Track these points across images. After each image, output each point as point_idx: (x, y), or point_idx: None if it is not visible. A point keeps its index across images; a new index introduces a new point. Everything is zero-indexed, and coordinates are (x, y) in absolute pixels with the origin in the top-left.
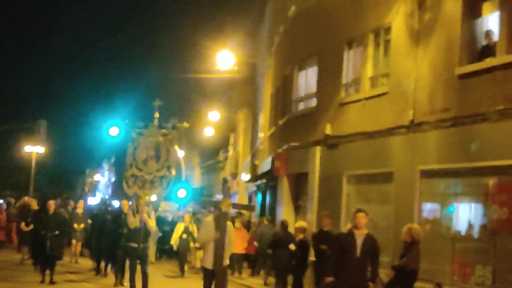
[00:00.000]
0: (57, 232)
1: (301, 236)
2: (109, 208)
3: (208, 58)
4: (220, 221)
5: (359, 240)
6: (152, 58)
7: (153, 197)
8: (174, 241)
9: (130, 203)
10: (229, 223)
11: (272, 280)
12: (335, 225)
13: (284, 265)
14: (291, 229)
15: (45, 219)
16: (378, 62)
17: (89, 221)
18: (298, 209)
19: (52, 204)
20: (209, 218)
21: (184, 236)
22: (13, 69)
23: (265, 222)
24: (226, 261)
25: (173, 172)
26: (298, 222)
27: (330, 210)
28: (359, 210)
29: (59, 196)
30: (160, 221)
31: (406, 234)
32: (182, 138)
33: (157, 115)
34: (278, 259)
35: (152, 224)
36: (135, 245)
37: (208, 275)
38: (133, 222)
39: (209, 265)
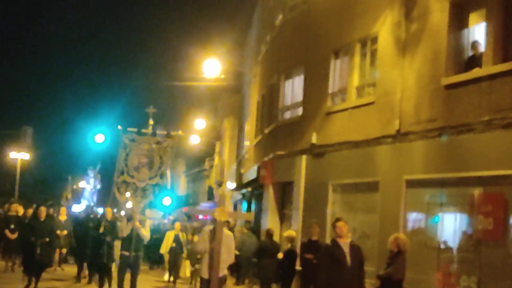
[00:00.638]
0: (47, 239)
1: (289, 245)
2: (92, 216)
3: (195, 66)
4: (216, 230)
5: (346, 249)
6: (138, 65)
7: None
8: (164, 250)
9: (115, 210)
10: (229, 233)
11: None
12: (321, 234)
13: (269, 273)
14: (276, 238)
15: (36, 225)
16: (365, 71)
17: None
18: (284, 218)
19: (43, 211)
20: (207, 228)
21: (174, 244)
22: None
23: (245, 231)
24: (224, 271)
25: (166, 180)
26: (287, 231)
27: (316, 219)
28: (337, 220)
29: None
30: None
31: (392, 244)
32: (175, 146)
33: (151, 122)
34: (263, 267)
35: (145, 232)
36: (127, 253)
37: (205, 285)
38: (124, 229)
39: (205, 275)
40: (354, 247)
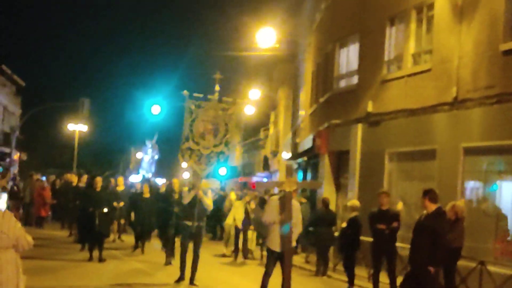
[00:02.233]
0: (105, 209)
1: (352, 214)
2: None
3: (249, 35)
4: (285, 201)
5: (420, 220)
6: (193, 35)
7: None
8: (230, 220)
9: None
10: (295, 202)
11: (313, 257)
12: (376, 203)
13: (326, 242)
14: (332, 207)
15: (93, 196)
16: (421, 38)
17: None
18: (339, 187)
19: (99, 181)
20: (274, 198)
21: (243, 216)
22: (55, 48)
23: (303, 200)
24: (294, 243)
25: (230, 149)
26: (351, 201)
27: (372, 188)
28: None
29: (100, 173)
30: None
31: (450, 212)
32: (238, 114)
33: (217, 87)
34: (319, 237)
35: (208, 201)
36: (189, 223)
37: (274, 258)
38: (187, 197)
39: (276, 247)
40: (426, 218)
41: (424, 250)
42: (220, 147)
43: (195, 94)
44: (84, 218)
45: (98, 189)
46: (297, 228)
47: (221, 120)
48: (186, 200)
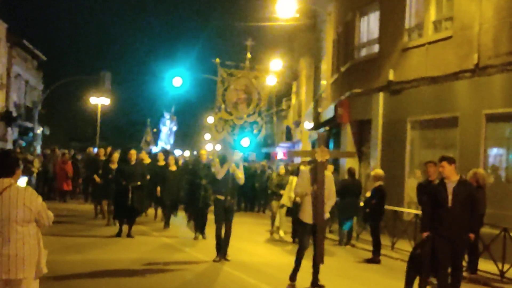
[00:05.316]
0: (139, 183)
1: (377, 183)
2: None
3: (270, 5)
4: (317, 172)
5: (450, 188)
6: (213, 6)
7: (218, 146)
8: (286, 200)
9: (195, 152)
10: (329, 174)
11: (336, 227)
12: (400, 171)
13: (352, 212)
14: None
15: (126, 169)
16: (442, 5)
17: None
18: (362, 156)
19: (134, 154)
20: (306, 169)
21: None
22: (77, 22)
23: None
24: (327, 215)
25: (264, 118)
26: (374, 170)
27: (394, 157)
28: (441, 159)
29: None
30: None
31: (471, 179)
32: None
33: (249, 55)
34: (346, 206)
35: (240, 175)
36: (222, 197)
37: (307, 231)
38: (219, 172)
39: (308, 219)
40: (461, 186)
41: (463, 218)
42: (253, 116)
43: (227, 62)
44: (117, 193)
45: (133, 162)
46: (331, 200)
47: (254, 89)
48: (220, 175)
